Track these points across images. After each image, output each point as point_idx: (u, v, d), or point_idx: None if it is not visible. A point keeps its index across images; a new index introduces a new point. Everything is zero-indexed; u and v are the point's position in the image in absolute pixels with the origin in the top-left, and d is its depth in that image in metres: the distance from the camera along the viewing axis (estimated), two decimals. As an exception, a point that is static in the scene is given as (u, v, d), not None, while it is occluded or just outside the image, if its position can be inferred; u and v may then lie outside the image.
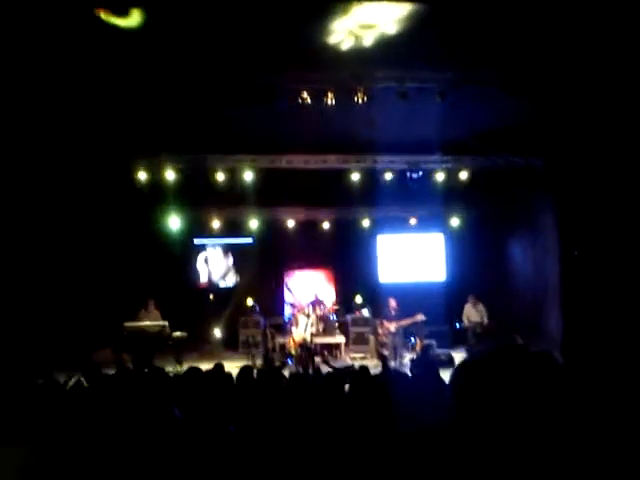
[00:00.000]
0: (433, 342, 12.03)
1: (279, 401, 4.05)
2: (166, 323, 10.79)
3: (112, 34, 7.41)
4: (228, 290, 14.83)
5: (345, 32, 7.44)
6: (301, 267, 15.26)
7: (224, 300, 14.00)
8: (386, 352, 11.88)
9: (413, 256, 15.53)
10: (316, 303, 13.01)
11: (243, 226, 14.50)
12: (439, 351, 11.57)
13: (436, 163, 12.39)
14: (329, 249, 14.97)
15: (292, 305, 13.45)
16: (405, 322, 11.57)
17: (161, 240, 13.48)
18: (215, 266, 15.30)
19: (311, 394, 4.41)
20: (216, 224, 14.29)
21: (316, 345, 11.86)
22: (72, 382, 3.87)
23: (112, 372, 4.70)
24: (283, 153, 11.93)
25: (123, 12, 7.16)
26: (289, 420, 3.63)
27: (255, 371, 4.98)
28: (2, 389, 3.75)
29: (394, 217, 14.95)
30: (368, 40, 7.53)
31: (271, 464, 2.96)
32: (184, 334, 11.01)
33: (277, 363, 10.88)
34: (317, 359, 10.98)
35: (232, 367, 6.56)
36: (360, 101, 9.36)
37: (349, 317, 13.29)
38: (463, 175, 12.38)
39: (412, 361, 7.78)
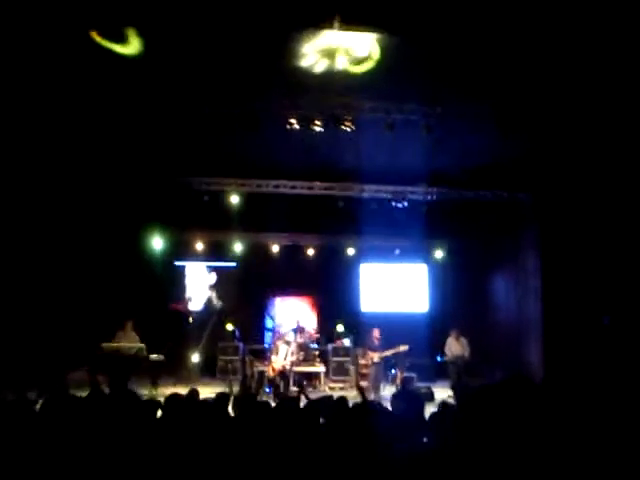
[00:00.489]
0: (414, 375, 11.93)
1: (254, 430, 3.94)
2: (143, 345, 10.59)
3: (102, 59, 7.43)
4: (208, 314, 14.64)
5: (315, 55, 7.42)
6: (284, 293, 15.16)
7: (203, 324, 13.81)
8: (366, 383, 11.77)
9: (396, 286, 15.52)
10: (297, 330, 12.89)
11: (227, 249, 14.42)
12: (420, 384, 11.47)
13: (421, 194, 12.44)
14: (312, 276, 14.91)
15: (273, 332, 13.32)
16: (389, 352, 11.48)
17: (143, 261, 13.35)
18: (196, 289, 15.15)
19: (287, 424, 4.31)
20: (200, 246, 14.20)
21: (295, 374, 11.70)
22: (40, 402, 3.76)
23: (83, 394, 4.57)
24: (270, 178, 11.94)
25: (120, 39, 7.20)
26: (263, 450, 3.54)
27: (232, 398, 4.86)
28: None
29: (378, 246, 14.96)
30: (341, 63, 7.50)
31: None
32: (161, 357, 10.82)
33: (254, 391, 10.70)
34: (294, 389, 10.84)
35: (209, 393, 6.42)
36: (348, 129, 9.41)
37: (330, 346, 13.17)
38: (448, 207, 12.43)
39: (393, 395, 7.67)
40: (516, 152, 10.19)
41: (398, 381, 11.84)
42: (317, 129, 9.41)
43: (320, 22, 6.83)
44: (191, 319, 13.65)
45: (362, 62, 7.83)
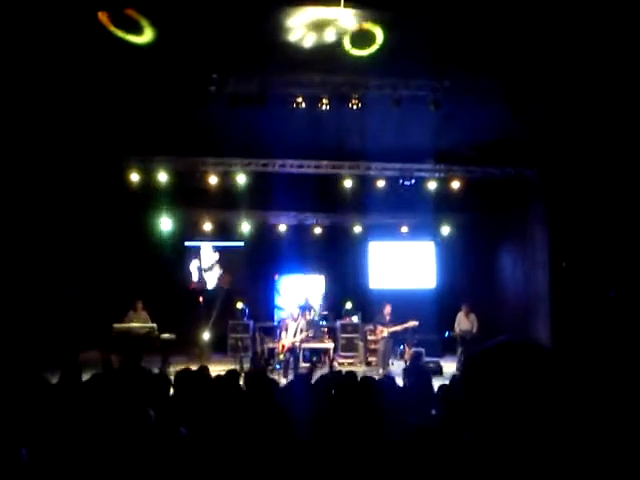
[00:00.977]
0: (422, 350, 12.02)
1: (265, 406, 4.03)
2: (154, 325, 10.72)
3: (109, 38, 7.43)
4: (218, 293, 14.77)
5: (302, 28, 7.38)
6: (292, 272, 15.24)
7: (214, 303, 13.93)
8: (374, 359, 11.89)
9: (404, 263, 15.56)
10: (306, 308, 12.99)
11: (235, 229, 14.49)
12: (428, 359, 11.57)
13: (429, 171, 12.42)
14: (320, 254, 14.96)
15: (282, 309, 13.42)
16: (399, 327, 11.58)
17: (152, 242, 13.44)
18: (204, 267, 15.28)
19: (298, 399, 4.39)
20: (208, 227, 14.27)
21: (305, 350, 11.84)
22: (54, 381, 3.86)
23: (96, 373, 4.68)
24: (276, 157, 11.94)
25: (135, 29, 7.26)
26: (275, 425, 3.61)
27: (242, 375, 4.96)
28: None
29: (386, 224, 14.98)
30: (330, 36, 7.44)
31: (257, 468, 2.95)
32: (172, 336, 10.95)
33: (265, 367, 10.83)
34: (305, 364, 10.97)
35: (220, 371, 6.52)
36: (354, 107, 9.39)
37: (338, 323, 13.28)
38: (455, 184, 12.42)
39: (404, 370, 7.77)
40: (522, 128, 10.14)
41: (407, 356, 11.95)
42: (324, 107, 9.40)
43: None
44: (201, 298, 13.75)
45: (367, 45, 7.82)
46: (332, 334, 13.06)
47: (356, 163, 12.21)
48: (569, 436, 1.44)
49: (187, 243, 15.06)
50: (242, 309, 13.51)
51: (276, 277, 15.25)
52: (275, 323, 13.57)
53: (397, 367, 11.38)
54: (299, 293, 14.58)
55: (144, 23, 7.17)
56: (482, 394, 1.43)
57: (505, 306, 14.20)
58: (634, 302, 9.58)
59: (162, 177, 11.61)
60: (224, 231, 14.63)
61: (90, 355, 10.31)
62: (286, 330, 11.46)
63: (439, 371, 10.69)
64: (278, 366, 11.27)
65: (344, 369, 8.50)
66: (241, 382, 5.12)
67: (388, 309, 11.88)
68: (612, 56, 7.66)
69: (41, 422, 3.17)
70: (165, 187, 11.81)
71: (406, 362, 11.55)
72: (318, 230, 14.90)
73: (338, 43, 7.85)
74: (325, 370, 10.42)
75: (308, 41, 7.49)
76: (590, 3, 6.71)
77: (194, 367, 5.28)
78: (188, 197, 12.60)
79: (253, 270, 14.90)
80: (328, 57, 8.30)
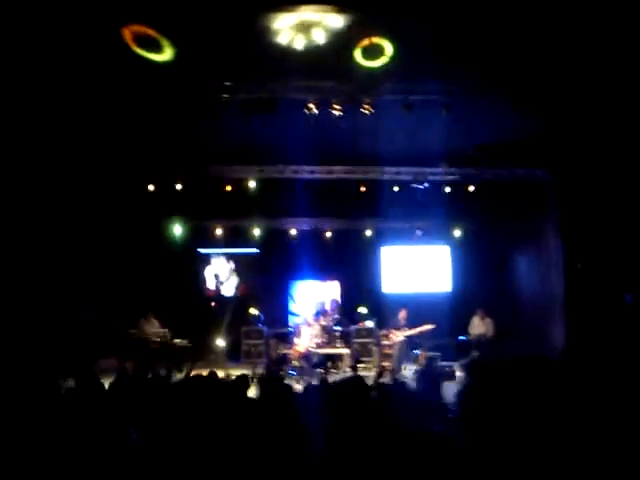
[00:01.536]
0: (437, 355, 11.97)
1: (278, 411, 4.03)
2: (167, 330, 10.80)
3: (121, 52, 7.54)
4: (232, 299, 14.81)
5: (289, 31, 7.38)
6: (305, 277, 15.24)
7: (227, 309, 13.97)
8: (389, 363, 11.85)
9: (418, 267, 15.50)
10: (320, 314, 12.98)
11: (248, 236, 14.52)
12: (442, 364, 11.50)
13: (442, 175, 12.39)
14: (334, 260, 14.94)
15: (297, 315, 13.41)
16: (414, 331, 11.55)
17: (166, 249, 13.51)
18: (220, 275, 15.32)
19: (311, 405, 4.39)
20: (221, 233, 14.32)
21: (319, 355, 11.82)
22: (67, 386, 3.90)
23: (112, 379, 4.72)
24: (289, 163, 11.97)
25: (156, 47, 7.49)
26: (290, 431, 3.62)
27: (255, 380, 4.97)
28: (6, 392, 3.77)
29: (399, 228, 14.94)
30: (319, 37, 7.44)
31: (264, 473, 2.95)
32: (186, 342, 11.01)
33: (279, 373, 10.84)
34: (318, 370, 10.96)
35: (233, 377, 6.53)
36: (366, 112, 9.41)
37: (353, 328, 13.24)
38: (469, 187, 12.38)
39: (416, 373, 7.76)
40: (535, 130, 10.10)
41: (421, 360, 11.90)
42: (336, 113, 9.43)
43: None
44: (213, 304, 13.79)
45: (377, 57, 7.93)
46: (346, 339, 13.03)
47: (369, 168, 12.21)
48: (575, 450, 1.44)
49: (200, 250, 15.10)
50: (256, 315, 13.52)
51: (290, 283, 15.25)
52: (289, 329, 13.57)
53: (410, 371, 11.32)
54: (313, 299, 14.58)
55: (163, 41, 7.41)
56: (484, 403, 1.43)
57: (520, 309, 14.11)
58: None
59: (177, 185, 11.69)
60: (237, 238, 14.67)
61: (106, 362, 10.38)
62: (300, 336, 11.46)
63: (452, 376, 10.63)
64: (292, 372, 11.27)
65: (359, 374, 8.48)
66: (253, 388, 5.13)
67: (403, 314, 11.85)
68: (626, 54, 7.62)
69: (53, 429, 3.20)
70: (179, 195, 11.89)
71: (421, 367, 11.50)
72: (331, 235, 14.90)
73: (348, 49, 7.90)
74: (339, 376, 10.39)
75: (298, 43, 7.49)
76: (601, 3, 6.69)
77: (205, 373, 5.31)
78: (201, 204, 12.67)
79: (267, 276, 14.91)
80: (339, 63, 8.34)
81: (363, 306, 13.80)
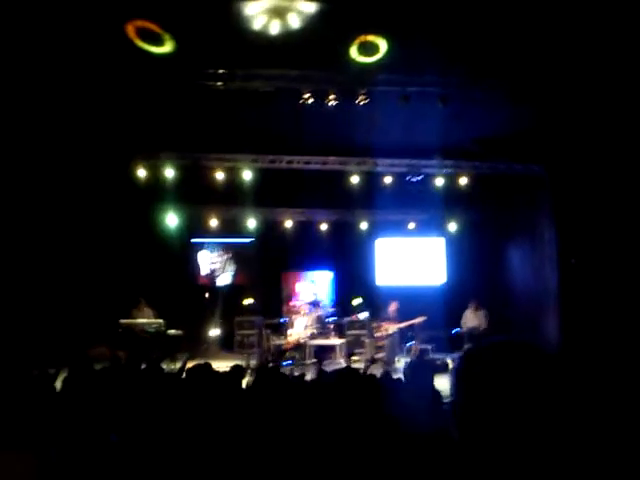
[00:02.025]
0: (429, 347, 12.00)
1: (270, 401, 4.02)
2: (161, 321, 10.76)
3: (115, 38, 7.50)
4: (225, 289, 14.77)
5: (264, 15, 7.33)
6: (299, 268, 15.23)
7: (220, 299, 13.95)
8: (381, 355, 11.86)
9: (412, 260, 15.50)
10: (313, 304, 12.98)
11: (242, 226, 14.48)
12: (435, 356, 11.54)
13: (436, 167, 12.37)
14: (328, 251, 14.93)
15: (290, 306, 13.41)
16: (406, 323, 11.56)
17: (159, 238, 13.44)
18: (213, 265, 15.27)
19: (303, 395, 4.38)
20: (215, 223, 14.27)
21: (313, 346, 11.83)
22: (62, 377, 3.86)
23: (106, 367, 4.70)
24: (283, 154, 11.92)
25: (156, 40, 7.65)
26: (280, 420, 3.61)
27: (248, 371, 4.96)
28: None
29: (393, 221, 14.93)
30: (295, 21, 7.39)
31: (258, 466, 2.94)
32: (179, 332, 10.98)
33: (272, 364, 10.84)
34: (311, 361, 10.96)
35: (226, 367, 6.50)
36: (362, 103, 9.37)
37: (346, 319, 13.25)
38: (463, 180, 12.37)
39: (406, 364, 7.75)
40: (530, 123, 10.09)
41: (414, 353, 11.92)
42: (331, 103, 9.38)
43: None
44: (207, 294, 13.76)
45: (371, 54, 7.97)
46: (339, 330, 13.04)
47: (363, 159, 12.18)
48: (566, 437, 1.42)
49: (194, 240, 15.04)
50: (249, 305, 13.50)
51: (283, 274, 15.22)
52: (282, 320, 13.55)
53: (404, 363, 11.34)
54: (306, 290, 14.58)
55: (164, 34, 7.57)
56: (474, 391, 1.42)
57: (514, 302, 14.15)
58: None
59: (169, 173, 11.63)
60: (231, 228, 14.62)
61: (97, 351, 10.33)
62: (293, 326, 11.47)
63: (446, 368, 10.65)
64: (285, 363, 11.28)
65: (351, 366, 8.48)
66: (247, 378, 5.11)
67: (394, 306, 11.86)
68: (621, 50, 7.61)
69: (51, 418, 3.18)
70: (171, 183, 11.82)
71: (412, 358, 11.53)
72: (325, 226, 14.88)
73: (343, 39, 7.88)
74: (332, 367, 10.40)
75: (274, 28, 7.42)
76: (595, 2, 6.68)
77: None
78: (195, 193, 12.60)
79: (260, 266, 14.88)
80: (335, 53, 8.29)
81: (357, 298, 13.81)
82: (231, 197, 12.84)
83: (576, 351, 9.10)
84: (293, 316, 11.93)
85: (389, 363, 11.27)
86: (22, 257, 10.68)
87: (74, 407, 3.33)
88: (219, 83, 9.20)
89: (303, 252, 14.79)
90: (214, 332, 13.06)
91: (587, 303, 10.69)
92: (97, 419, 2.98)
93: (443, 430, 3.12)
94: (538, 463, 1.41)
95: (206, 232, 14.54)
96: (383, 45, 8.00)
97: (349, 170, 12.21)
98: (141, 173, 11.49)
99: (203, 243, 15.18)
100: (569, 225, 11.44)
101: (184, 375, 4.59)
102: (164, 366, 9.35)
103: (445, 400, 4.76)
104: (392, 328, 11.54)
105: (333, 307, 13.89)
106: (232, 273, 15.18)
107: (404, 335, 12.00)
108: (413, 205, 13.57)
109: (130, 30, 7.48)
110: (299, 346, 11.04)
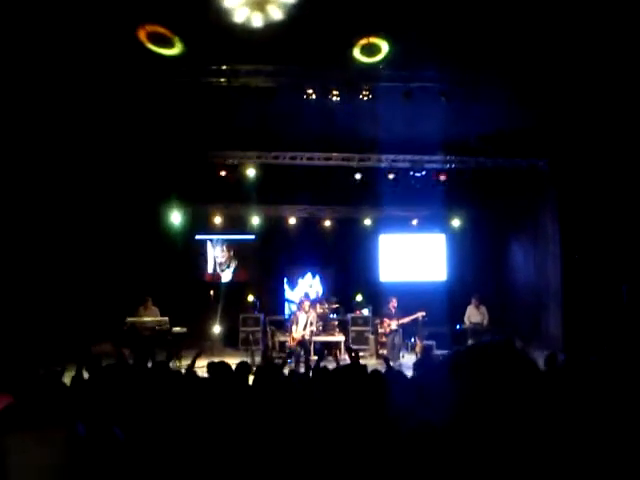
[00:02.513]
0: (433, 343, 12.01)
1: (276, 398, 4.03)
2: (166, 319, 10.78)
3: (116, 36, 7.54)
4: (228, 286, 14.79)
5: (243, 8, 7.29)
6: (303, 265, 15.24)
7: (225, 296, 13.97)
8: (385, 351, 11.89)
9: (415, 256, 15.51)
10: (316, 301, 12.99)
11: (245, 222, 14.50)
12: (438, 352, 11.55)
13: (439, 163, 12.37)
14: (331, 247, 14.94)
15: (298, 303, 13.38)
16: (406, 319, 11.58)
17: (163, 235, 13.47)
18: (219, 262, 15.28)
19: (308, 392, 4.40)
20: (218, 220, 14.28)
21: (315, 343, 11.84)
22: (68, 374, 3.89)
23: (112, 364, 4.72)
24: (287, 150, 11.93)
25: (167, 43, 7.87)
26: (285, 417, 3.62)
27: (254, 368, 4.97)
28: (5, 379, 3.76)
29: (397, 217, 14.94)
30: (276, 14, 7.34)
31: (266, 462, 2.95)
32: (184, 329, 11.00)
33: (276, 361, 10.85)
34: (314, 357, 10.97)
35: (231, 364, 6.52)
36: (365, 99, 9.37)
37: (349, 316, 13.27)
38: (466, 176, 12.37)
39: (415, 363, 7.77)
40: (533, 118, 10.08)
41: (417, 349, 11.94)
42: (334, 99, 9.38)
43: None
44: (212, 292, 13.78)
45: (373, 55, 8.04)
46: (343, 327, 13.06)
47: (367, 155, 12.19)
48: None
49: (198, 237, 15.06)
50: (253, 302, 13.52)
51: (287, 271, 15.23)
52: (286, 316, 13.58)
53: (408, 360, 11.36)
54: (310, 286, 14.60)
55: (173, 37, 7.80)
56: (462, 389, 1.44)
57: (516, 299, 14.16)
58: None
59: (173, 170, 11.63)
60: (235, 224, 14.64)
61: (102, 348, 10.37)
62: (296, 323, 11.48)
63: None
64: (289, 360, 11.29)
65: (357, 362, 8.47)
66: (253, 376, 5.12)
67: (394, 302, 11.87)
68: (624, 45, 7.59)
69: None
70: (177, 181, 11.84)
71: (417, 355, 11.55)
72: (329, 223, 14.89)
73: (347, 37, 7.90)
74: (334, 363, 10.41)
75: (256, 21, 7.39)
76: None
77: (206, 361, 5.29)
78: (199, 190, 12.61)
79: (264, 263, 14.91)
80: (339, 48, 8.29)
81: (360, 294, 13.83)
82: (235, 194, 12.85)
83: (579, 347, 9.09)
84: (297, 313, 11.94)
85: (393, 359, 11.29)
86: (28, 255, 10.71)
87: (82, 404, 3.36)
88: (222, 79, 9.20)
89: (306, 249, 14.80)
90: (218, 329, 13.08)
91: (590, 299, 10.69)
92: (105, 415, 3.00)
93: (448, 425, 3.13)
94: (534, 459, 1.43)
95: (210, 229, 14.55)
96: (385, 46, 8.14)
97: (352, 166, 12.22)
98: (148, 172, 11.52)
99: (207, 240, 15.18)
100: (572, 221, 11.43)
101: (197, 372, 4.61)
102: (170, 364, 9.41)
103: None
104: (393, 324, 11.56)
105: (336, 304, 13.90)
106: (235, 270, 15.19)
107: (407, 331, 12.01)
108: (416, 201, 13.57)
109: (141, 34, 7.71)
110: (303, 343, 11.04)
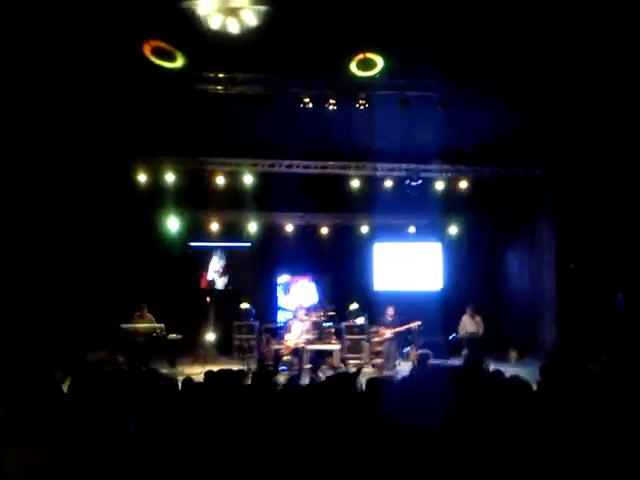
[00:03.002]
0: (429, 352, 11.98)
1: (270, 405, 4.03)
2: (162, 325, 10.75)
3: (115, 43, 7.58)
4: (224, 293, 14.73)
5: (217, 14, 7.31)
6: (298, 272, 15.21)
7: (219, 304, 13.91)
8: (380, 360, 11.86)
9: (410, 264, 15.50)
10: (311, 309, 12.95)
11: (241, 230, 14.48)
12: (435, 361, 11.52)
13: (435, 172, 12.41)
14: (326, 255, 14.93)
15: (294, 311, 13.35)
16: (401, 328, 11.56)
17: (159, 242, 13.43)
18: (214, 270, 15.22)
19: (302, 399, 4.39)
20: (214, 227, 14.26)
21: (310, 351, 11.80)
22: (68, 381, 3.86)
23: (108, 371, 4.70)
24: (283, 158, 11.94)
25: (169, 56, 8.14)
26: (279, 424, 3.61)
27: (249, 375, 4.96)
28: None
29: (392, 225, 14.95)
30: (251, 19, 7.34)
31: (260, 467, 2.95)
32: (179, 336, 10.97)
33: (271, 369, 10.82)
34: (308, 366, 10.95)
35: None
36: (361, 108, 9.40)
37: (344, 324, 13.23)
38: (462, 184, 12.40)
39: (411, 371, 7.77)
40: (529, 127, 10.14)
41: (412, 358, 11.90)
42: (331, 107, 9.41)
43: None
44: (208, 298, 13.72)
45: (369, 69, 8.35)
46: (338, 335, 13.01)
47: (363, 164, 12.23)
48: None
49: (193, 244, 15.01)
50: (247, 310, 13.46)
51: (281, 277, 15.20)
52: (280, 324, 13.52)
53: (404, 368, 11.33)
54: (304, 294, 14.57)
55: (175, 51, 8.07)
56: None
57: (512, 307, 14.16)
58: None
59: (169, 177, 11.65)
60: (230, 232, 14.61)
61: (98, 355, 10.32)
62: (291, 331, 11.45)
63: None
64: (283, 367, 11.26)
65: (351, 370, 8.47)
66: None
67: (391, 311, 11.85)
68: (620, 55, 7.65)
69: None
70: (172, 187, 11.84)
71: (413, 363, 11.51)
72: (324, 231, 14.88)
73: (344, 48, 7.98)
74: (329, 372, 10.39)
75: (232, 27, 7.41)
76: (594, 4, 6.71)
77: (201, 368, 5.29)
78: (194, 198, 12.61)
79: (258, 270, 14.88)
80: (335, 58, 8.34)
81: (355, 302, 13.80)
82: (231, 201, 12.85)
83: (572, 356, 9.10)
84: (291, 321, 11.90)
85: (389, 368, 11.26)
86: (24, 262, 10.67)
87: (79, 410, 3.34)
88: (219, 87, 9.22)
89: (302, 256, 14.78)
90: (212, 336, 13.02)
91: (585, 308, 10.72)
92: (103, 420, 2.98)
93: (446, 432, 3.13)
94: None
95: (206, 236, 14.52)
96: (380, 61, 8.41)
97: (348, 174, 12.25)
98: (142, 178, 11.52)
99: (210, 249, 15.10)
100: (568, 229, 11.47)
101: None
102: (164, 371, 9.39)
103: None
104: (389, 333, 11.54)
105: (331, 312, 13.86)
106: (230, 277, 15.13)
107: (402, 340, 11.98)
108: (412, 210, 13.59)
109: (146, 49, 7.99)
110: (297, 351, 11.01)
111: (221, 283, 14.95)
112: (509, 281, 14.67)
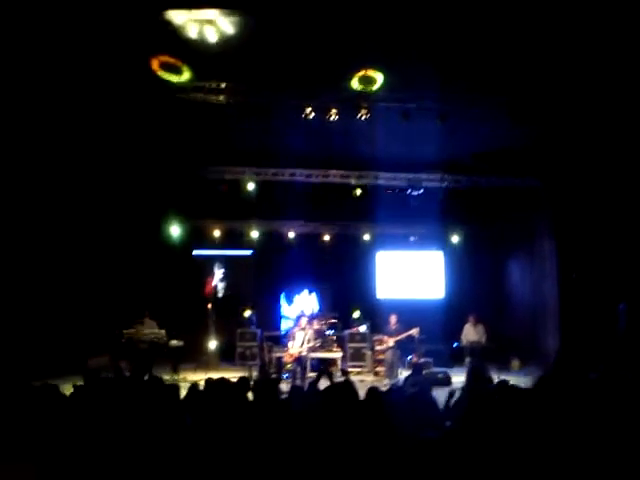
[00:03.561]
0: (430, 360, 11.99)
1: (274, 413, 4.06)
2: (163, 331, 10.81)
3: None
4: (226, 301, 14.78)
5: (192, 23, 7.34)
6: (300, 280, 15.24)
7: (222, 311, 13.96)
8: (382, 369, 11.88)
9: (412, 273, 15.54)
10: (314, 318, 12.98)
11: (244, 238, 14.53)
12: (436, 370, 11.54)
13: (437, 181, 12.47)
14: (328, 263, 14.97)
15: (296, 319, 13.38)
16: (402, 336, 11.57)
17: (162, 250, 13.49)
18: (217, 277, 15.28)
19: (305, 408, 4.42)
20: (217, 235, 14.32)
21: (312, 360, 11.83)
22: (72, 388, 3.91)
23: (111, 377, 4.74)
24: (286, 167, 12.02)
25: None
26: (283, 432, 3.65)
27: (252, 383, 4.99)
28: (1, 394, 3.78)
29: (394, 234, 14.99)
30: (229, 28, 7.36)
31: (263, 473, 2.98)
32: (181, 343, 11.02)
33: (273, 376, 10.83)
34: (311, 374, 10.96)
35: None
36: (363, 118, 9.49)
37: (346, 332, 13.26)
38: (463, 194, 12.46)
39: (406, 379, 7.80)
40: (528, 138, 10.19)
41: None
42: (332, 118, 9.49)
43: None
44: (210, 306, 13.77)
45: (370, 85, 8.61)
46: (340, 343, 13.03)
47: (364, 173, 12.28)
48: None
49: (195, 251, 15.08)
50: (250, 317, 13.50)
51: (284, 287, 15.23)
52: (282, 332, 13.55)
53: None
54: (307, 302, 14.60)
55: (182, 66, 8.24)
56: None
57: (514, 316, 14.17)
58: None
59: (173, 186, 11.73)
60: (233, 240, 14.67)
61: (100, 361, 10.37)
62: (293, 339, 11.47)
63: (448, 381, 10.67)
64: (285, 375, 11.28)
65: (353, 378, 8.48)
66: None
67: (394, 319, 11.87)
68: (617, 64, 7.71)
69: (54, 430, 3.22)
70: (176, 196, 11.92)
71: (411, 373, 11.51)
72: (327, 239, 14.93)
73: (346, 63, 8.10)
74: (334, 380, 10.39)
75: (210, 36, 7.48)
76: (592, 15, 6.77)
77: (203, 375, 5.33)
78: (197, 205, 12.68)
79: (261, 279, 14.92)
80: (337, 70, 8.42)
81: (357, 310, 13.83)
82: (233, 209, 12.92)
83: (574, 365, 9.10)
84: (294, 329, 11.93)
85: (391, 376, 11.28)
86: (28, 267, 10.75)
87: (81, 417, 3.38)
88: (221, 97, 9.30)
89: (304, 264, 14.81)
90: (214, 343, 13.06)
91: (587, 317, 10.72)
92: (104, 429, 3.02)
93: (444, 442, 3.17)
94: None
95: (208, 244, 14.58)
96: (381, 77, 8.57)
97: (350, 183, 12.32)
98: (147, 187, 11.62)
99: (205, 255, 15.18)
100: (569, 239, 11.49)
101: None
102: (166, 377, 9.43)
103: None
104: (391, 341, 11.56)
105: (333, 319, 13.88)
106: (229, 284, 15.19)
107: (404, 348, 11.99)
108: (414, 219, 13.64)
109: (154, 64, 8.12)
110: (299, 359, 11.03)
111: (221, 289, 15.04)
112: (511, 290, 14.68)
